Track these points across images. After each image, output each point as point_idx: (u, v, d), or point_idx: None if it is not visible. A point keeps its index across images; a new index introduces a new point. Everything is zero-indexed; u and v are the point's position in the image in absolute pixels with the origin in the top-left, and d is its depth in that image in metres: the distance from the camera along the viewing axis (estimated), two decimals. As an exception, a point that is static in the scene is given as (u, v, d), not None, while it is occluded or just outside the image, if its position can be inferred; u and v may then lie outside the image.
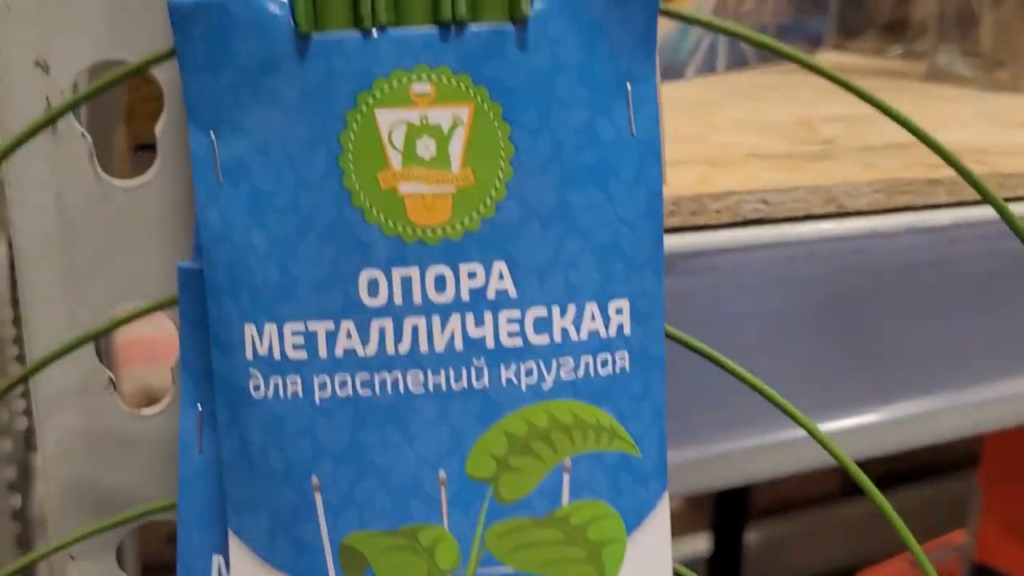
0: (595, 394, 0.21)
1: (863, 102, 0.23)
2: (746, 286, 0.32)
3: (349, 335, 0.21)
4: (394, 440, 0.21)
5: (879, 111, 0.24)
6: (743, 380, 0.24)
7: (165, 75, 0.23)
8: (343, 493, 0.21)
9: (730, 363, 0.24)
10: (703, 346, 0.24)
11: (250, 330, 0.21)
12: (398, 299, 0.21)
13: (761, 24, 0.55)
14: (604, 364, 0.21)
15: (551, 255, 0.21)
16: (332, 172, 0.20)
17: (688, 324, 0.31)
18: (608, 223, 0.21)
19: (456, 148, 0.20)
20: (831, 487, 1.05)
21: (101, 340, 0.26)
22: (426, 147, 0.20)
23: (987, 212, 0.35)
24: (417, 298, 0.21)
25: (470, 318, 0.21)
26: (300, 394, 0.21)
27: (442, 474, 0.21)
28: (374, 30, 0.20)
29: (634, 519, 0.22)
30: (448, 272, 0.21)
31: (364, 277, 0.21)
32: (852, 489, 1.06)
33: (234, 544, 0.22)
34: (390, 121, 0.20)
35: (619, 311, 0.21)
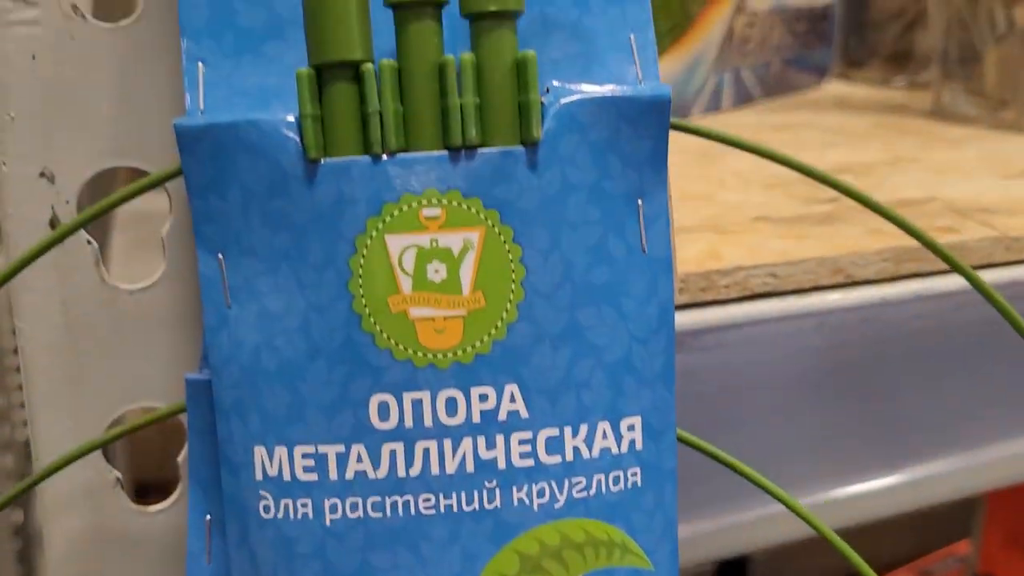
0: (607, 511, 0.21)
1: (866, 146, 0.23)
2: (756, 360, 0.31)
3: (360, 458, 0.21)
4: (405, 562, 0.21)
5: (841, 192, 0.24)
6: (726, 464, 0.24)
7: (172, 183, 0.23)
8: None
9: (709, 447, 0.24)
10: (696, 439, 0.24)
11: (260, 452, 0.21)
12: (409, 422, 0.21)
13: (765, 59, 0.55)
14: (616, 481, 0.21)
15: (563, 375, 0.21)
16: (342, 296, 0.20)
17: (698, 400, 0.31)
18: (620, 340, 0.21)
19: (467, 272, 0.20)
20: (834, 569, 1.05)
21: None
22: (436, 271, 0.20)
23: (993, 276, 0.34)
24: (428, 421, 0.21)
25: (481, 440, 0.21)
26: (310, 515, 0.21)
27: (454, 596, 0.21)
28: (383, 155, 0.20)
29: (647, 635, 0.22)
30: (459, 395, 0.21)
31: (375, 401, 0.20)
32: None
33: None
34: (400, 245, 0.20)
35: (631, 428, 0.21)
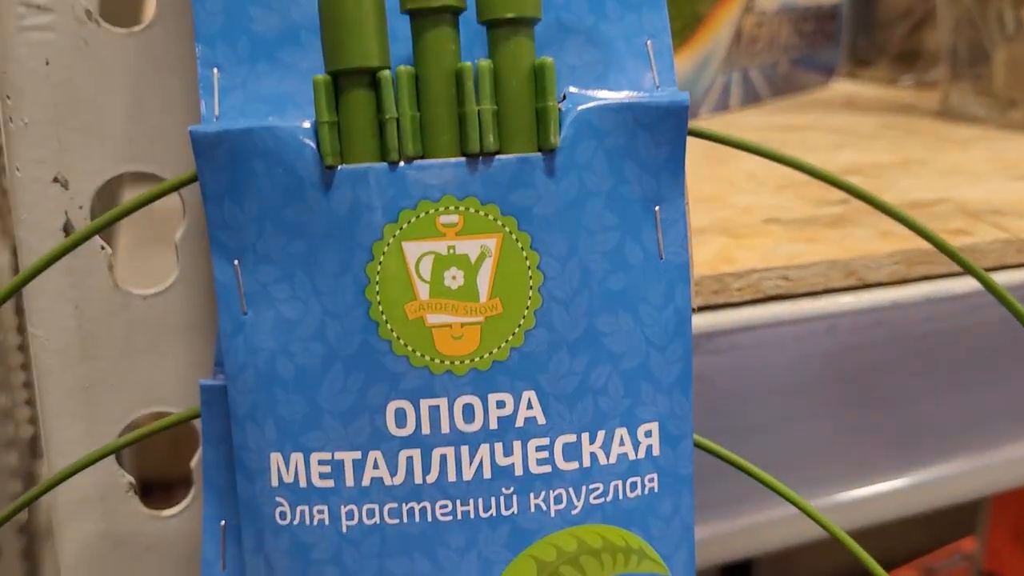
0: (624, 517, 0.21)
1: (875, 148, 0.23)
2: (768, 362, 0.31)
3: (376, 465, 0.21)
4: (422, 569, 0.21)
5: (835, 187, 0.23)
6: (735, 465, 0.24)
7: (186, 188, 0.23)
8: None
9: (727, 453, 0.24)
10: (712, 444, 0.24)
11: (276, 459, 0.21)
12: (426, 429, 0.20)
13: (773, 59, 0.55)
14: (633, 487, 0.21)
15: (580, 382, 0.21)
16: (359, 303, 0.20)
17: (711, 403, 0.31)
18: (637, 347, 0.21)
19: (484, 278, 0.20)
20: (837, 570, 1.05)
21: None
22: (454, 278, 0.20)
23: (1006, 278, 0.34)
24: (445, 428, 0.20)
25: (499, 447, 0.21)
26: (327, 522, 0.21)
27: (471, 604, 0.21)
28: (400, 161, 0.20)
29: (664, 641, 0.22)
30: (477, 402, 0.20)
31: (391, 407, 0.20)
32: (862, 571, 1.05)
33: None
34: (417, 252, 0.20)
35: (648, 434, 0.21)
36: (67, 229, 0.23)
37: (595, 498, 0.21)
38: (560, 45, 0.21)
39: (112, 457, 0.25)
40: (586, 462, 0.21)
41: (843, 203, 0.38)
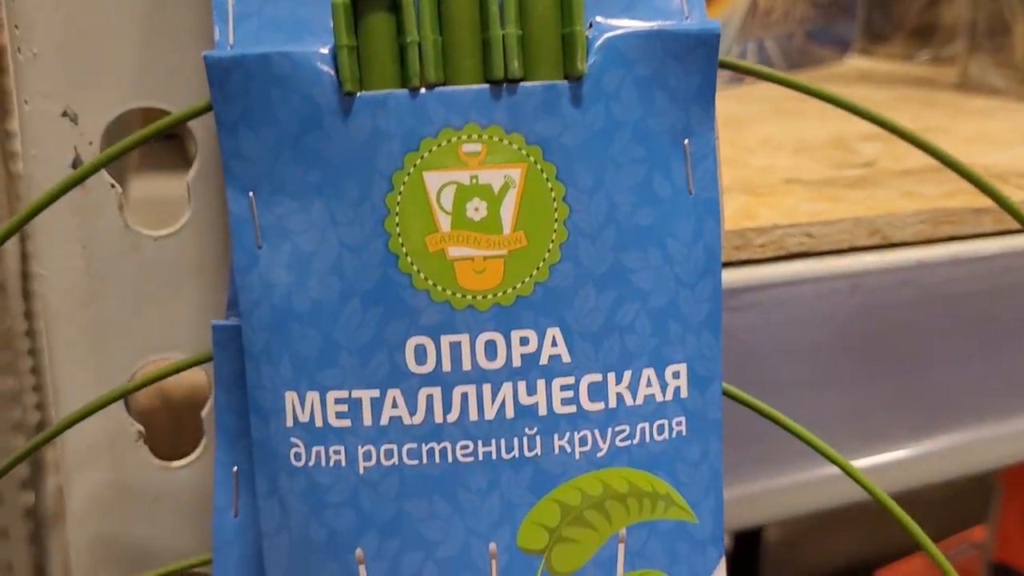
0: (651, 461, 0.21)
1: (894, 117, 0.22)
2: (790, 320, 0.31)
3: (395, 403, 0.20)
4: (442, 511, 0.20)
5: (913, 144, 0.23)
6: (785, 427, 0.23)
7: (198, 122, 0.22)
8: (389, 566, 0.20)
9: (766, 407, 0.23)
10: (745, 395, 0.23)
11: (291, 397, 0.20)
12: (447, 366, 0.20)
13: (788, 31, 0.54)
14: (661, 430, 0.21)
15: (606, 319, 0.20)
16: (378, 235, 0.19)
17: (732, 360, 0.30)
18: (665, 284, 0.20)
19: (508, 210, 0.20)
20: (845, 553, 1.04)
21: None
22: (476, 209, 0.19)
23: (1033, 240, 0.34)
24: (467, 365, 0.20)
25: (522, 386, 0.20)
26: (343, 463, 0.20)
27: (492, 546, 0.20)
28: (422, 88, 0.19)
29: (690, 589, 0.21)
30: (499, 338, 0.20)
31: (411, 344, 0.20)
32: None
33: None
34: (438, 182, 0.19)
35: (676, 375, 0.21)
36: (76, 165, 0.22)
37: (621, 440, 0.20)
38: None
39: (121, 405, 0.24)
40: (612, 403, 0.20)
41: (865, 166, 0.37)
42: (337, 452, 0.20)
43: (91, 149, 0.22)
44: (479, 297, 0.20)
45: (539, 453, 0.20)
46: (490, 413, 0.20)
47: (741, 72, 0.21)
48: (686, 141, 0.20)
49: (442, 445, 0.20)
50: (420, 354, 0.20)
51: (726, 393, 0.23)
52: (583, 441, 0.20)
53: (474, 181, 0.19)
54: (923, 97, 0.51)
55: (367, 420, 0.20)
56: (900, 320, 0.32)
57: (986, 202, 0.33)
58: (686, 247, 0.20)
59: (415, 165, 0.19)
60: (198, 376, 0.25)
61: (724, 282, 0.29)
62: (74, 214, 0.23)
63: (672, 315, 0.20)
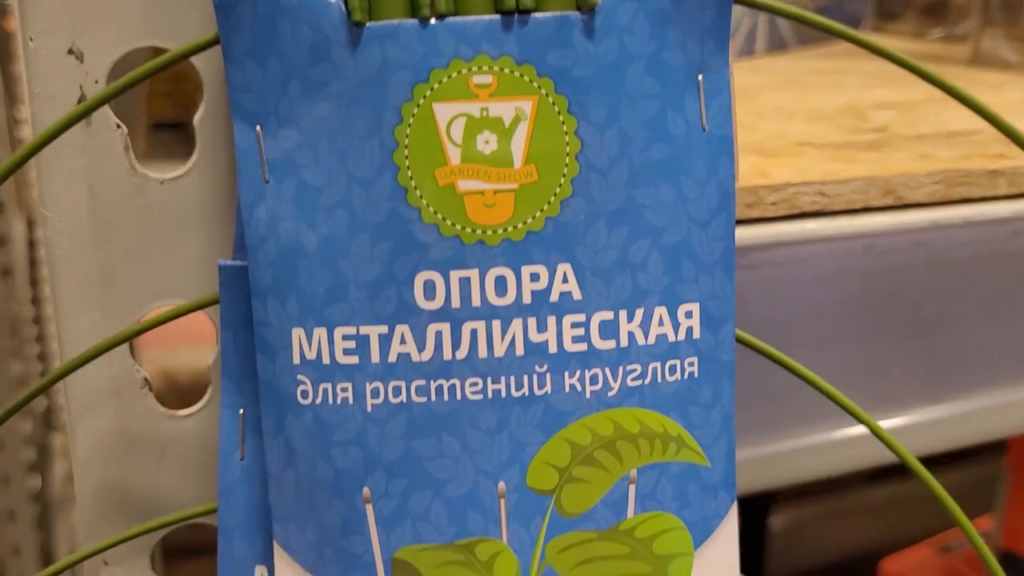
0: (663, 401, 0.20)
1: (911, 88, 0.22)
2: (802, 280, 0.30)
3: (403, 340, 0.20)
4: (451, 450, 0.20)
5: (953, 97, 0.22)
6: (810, 382, 0.23)
7: (204, 63, 0.22)
8: (396, 505, 0.20)
9: (792, 362, 0.23)
10: (769, 348, 0.23)
11: (298, 334, 0.20)
12: (456, 302, 0.19)
13: (801, 6, 0.53)
14: (672, 371, 0.20)
15: (618, 256, 0.20)
16: (386, 168, 0.19)
17: (743, 319, 0.30)
18: (678, 222, 0.20)
19: (518, 143, 0.19)
20: (857, 472, 1.04)
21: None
22: (487, 142, 0.19)
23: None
24: (476, 301, 0.19)
25: (532, 322, 0.20)
26: (351, 401, 0.20)
27: (501, 485, 0.20)
28: (432, 18, 0.19)
29: (702, 532, 0.21)
30: (509, 274, 0.19)
31: (420, 279, 0.19)
32: (878, 474, 1.04)
33: (279, 556, 0.20)
34: (448, 114, 0.19)
35: (689, 315, 0.20)
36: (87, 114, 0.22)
37: (632, 380, 0.20)
38: None
39: (127, 352, 0.24)
40: (623, 341, 0.20)
41: (878, 131, 0.37)
42: (344, 389, 0.20)
43: (97, 87, 0.22)
44: (489, 232, 0.19)
45: (549, 391, 0.20)
46: (499, 350, 0.20)
47: (759, 8, 0.21)
48: (700, 77, 0.20)
49: (451, 382, 0.20)
50: (429, 289, 0.19)
51: (740, 340, 0.22)
52: (594, 380, 0.20)
53: (484, 113, 0.19)
54: (936, 71, 0.51)
55: (375, 357, 0.20)
56: (913, 282, 0.32)
57: (1001, 164, 0.33)
58: (700, 185, 0.20)
59: (425, 96, 0.19)
60: (202, 361, 0.25)
61: (736, 239, 0.29)
62: (80, 155, 0.22)
63: (685, 254, 0.20)
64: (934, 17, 0.59)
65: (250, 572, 0.22)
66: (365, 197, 0.19)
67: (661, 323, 0.20)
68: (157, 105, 0.46)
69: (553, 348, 0.20)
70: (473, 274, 0.19)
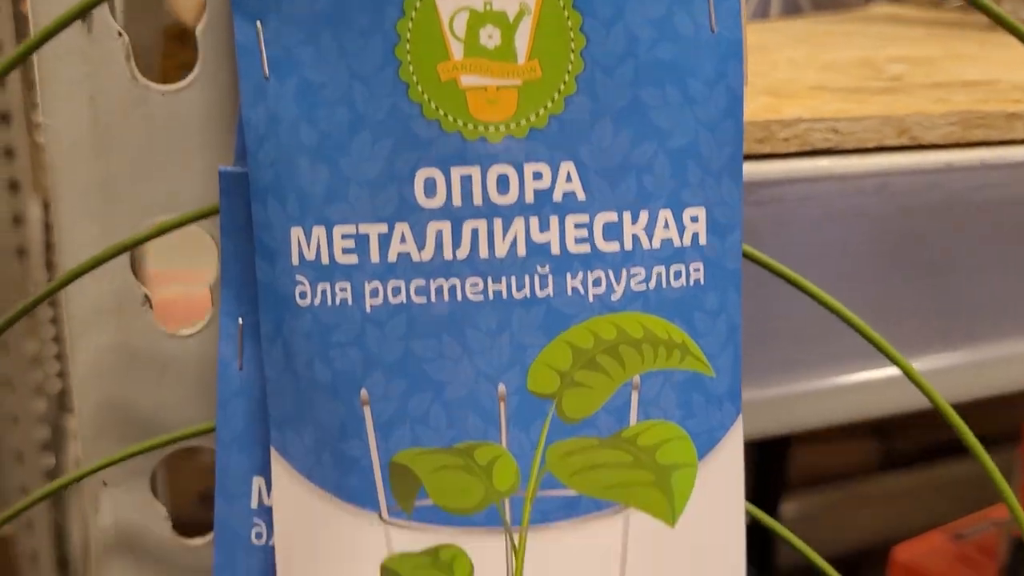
0: (667, 307, 0.20)
1: (924, 45, 0.21)
2: (813, 219, 0.30)
3: (403, 238, 0.19)
4: (450, 351, 0.19)
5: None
6: (831, 308, 0.22)
7: (208, -31, 0.22)
8: (394, 407, 0.19)
9: (815, 289, 0.22)
10: (785, 269, 0.22)
11: (297, 234, 0.19)
12: (457, 200, 0.19)
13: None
14: (677, 276, 0.20)
15: (623, 156, 0.19)
16: (388, 63, 0.19)
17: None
18: (685, 124, 0.20)
19: (523, 38, 0.19)
20: (870, 459, 1.03)
21: (136, 261, 0.25)
22: (490, 36, 0.19)
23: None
24: (477, 199, 0.19)
25: (534, 222, 0.19)
26: (349, 301, 0.19)
27: (501, 388, 0.20)
28: (435, -95, 0.19)
29: (706, 443, 0.20)
30: (512, 172, 0.19)
31: (420, 176, 0.19)
32: (891, 462, 1.03)
33: (276, 462, 0.20)
34: (451, 8, 0.19)
35: (695, 219, 0.20)
36: (84, 12, 0.22)
37: (636, 284, 0.20)
38: None
39: (127, 268, 0.24)
40: (627, 244, 0.20)
41: (894, 79, 0.36)
42: (343, 290, 0.19)
43: (99, -8, 0.22)
44: (491, 128, 0.19)
45: (551, 294, 0.19)
46: (501, 250, 0.19)
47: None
48: None
49: (451, 282, 0.19)
50: (429, 187, 0.19)
51: (750, 256, 0.22)
52: (596, 283, 0.20)
53: (488, 7, 0.19)
54: (954, 35, 0.50)
55: (374, 256, 0.19)
56: (928, 225, 0.31)
57: (1019, 108, 0.32)
58: (707, 87, 0.20)
59: (427, -12, 0.19)
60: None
61: (745, 175, 0.29)
62: (81, 63, 0.22)
63: (692, 157, 0.20)
64: (952, -14, 0.58)
65: (247, 484, 0.22)
66: (366, 93, 0.19)
67: (666, 226, 0.20)
68: (173, 77, 0.46)
69: (555, 249, 0.19)
70: (474, 171, 0.19)
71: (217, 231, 0.22)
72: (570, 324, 0.20)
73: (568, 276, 0.19)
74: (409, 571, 0.20)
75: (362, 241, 0.19)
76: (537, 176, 0.19)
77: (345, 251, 0.19)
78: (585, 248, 0.19)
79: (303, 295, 0.20)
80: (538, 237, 0.19)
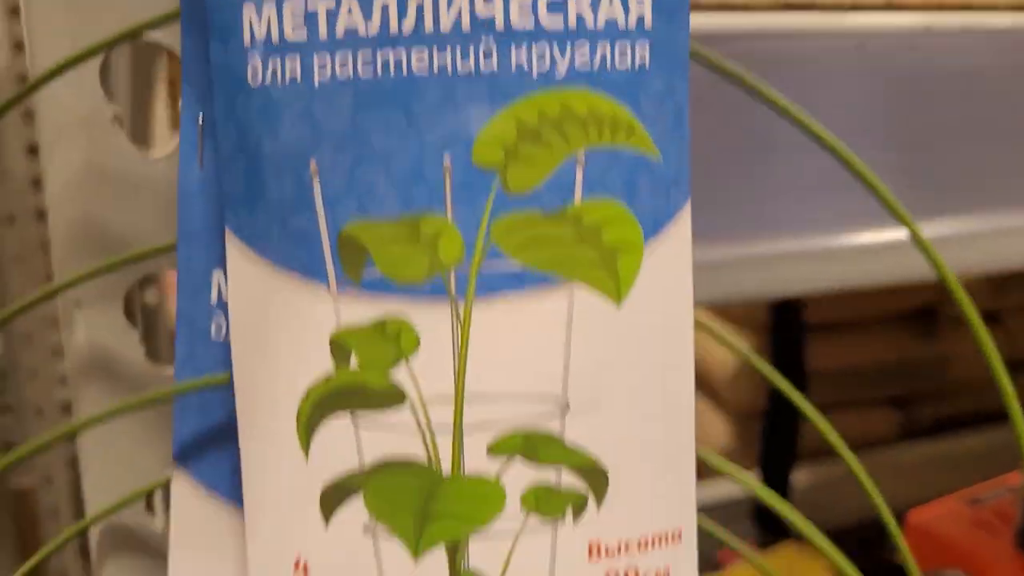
0: (612, 87, 0.20)
1: None
2: (788, 77, 0.30)
3: (351, 11, 0.20)
4: (397, 123, 0.20)
5: None
6: (832, 150, 0.22)
7: None
8: (342, 179, 0.20)
9: (820, 129, 0.22)
10: (751, 79, 0.22)
11: (248, 12, 0.20)
12: None
13: None
14: (623, 55, 0.20)
15: None
16: None
17: (721, 113, 0.29)
18: None
19: None
20: (887, 430, 1.02)
21: (111, 83, 0.25)
22: None
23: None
24: None
25: None
26: (299, 77, 0.20)
27: (447, 160, 0.20)
28: None
29: (652, 227, 0.21)
30: None
31: None
32: (906, 433, 1.02)
33: (231, 244, 0.21)
34: None
35: (639, 0, 0.20)
36: None
37: (581, 61, 0.20)
38: None
39: (97, 83, 0.24)
40: (572, 22, 0.20)
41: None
42: (293, 66, 0.20)
43: None
44: None
45: (495, 69, 0.20)
46: (446, 23, 0.20)
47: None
48: None
49: (397, 54, 0.20)
50: None
51: (698, 57, 0.22)
52: (540, 57, 0.20)
53: None
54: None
55: (323, 32, 0.20)
56: (907, 88, 0.31)
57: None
58: None
59: None
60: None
61: (716, 27, 0.29)
62: None
63: None
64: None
65: (207, 278, 0.22)
66: None
67: (611, 3, 0.20)
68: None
69: (500, 23, 0.20)
70: None
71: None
72: (515, 99, 0.20)
73: (512, 50, 0.20)
74: (357, 343, 0.20)
75: (311, 17, 0.20)
76: None
77: (295, 28, 0.20)
78: (528, 23, 0.20)
79: (255, 75, 0.20)
80: (482, 11, 0.20)
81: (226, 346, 0.22)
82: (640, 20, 0.20)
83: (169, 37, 0.23)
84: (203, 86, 0.21)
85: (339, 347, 0.20)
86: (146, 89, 0.40)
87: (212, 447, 0.22)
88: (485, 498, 0.20)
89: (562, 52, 0.20)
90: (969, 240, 0.33)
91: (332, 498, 0.21)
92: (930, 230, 0.33)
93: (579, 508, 0.21)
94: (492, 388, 0.20)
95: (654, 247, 0.21)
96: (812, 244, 0.32)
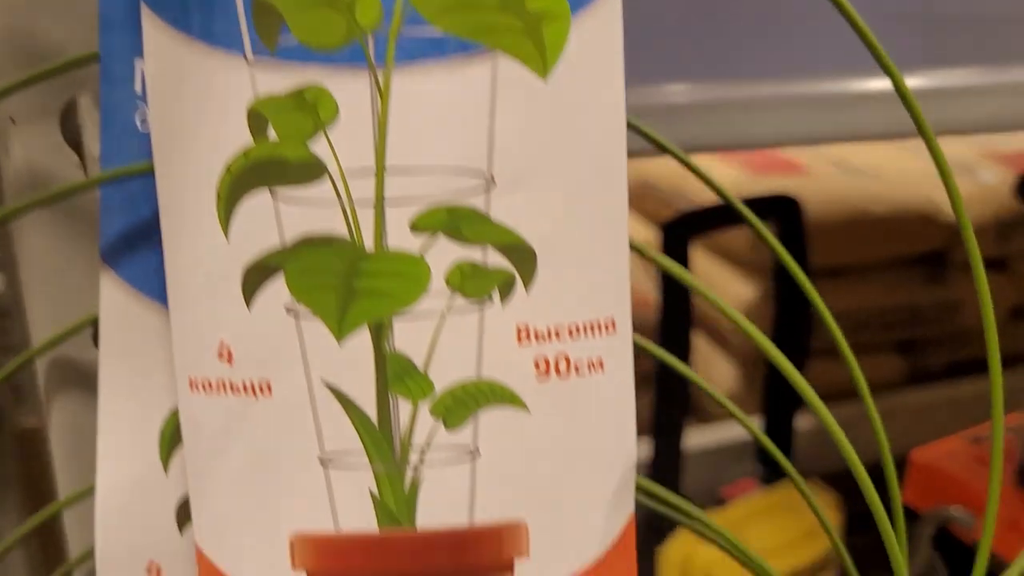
0: None
1: None
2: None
3: None
4: None
5: None
6: None
7: None
8: None
9: None
10: None
11: None
12: None
13: None
14: None
15: None
16: None
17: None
18: None
19: None
20: (894, 374, 1.01)
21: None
22: None
23: None
24: None
25: None
26: None
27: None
28: None
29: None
30: None
31: None
32: (914, 378, 1.01)
33: (146, 16, 0.20)
34: None
35: None
36: None
37: None
38: None
39: None
40: None
41: None
42: None
43: None
44: None
45: None
46: None
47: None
48: None
49: None
50: None
51: None
52: None
53: None
54: None
55: None
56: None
57: None
58: None
59: None
60: None
61: None
62: None
63: None
64: None
65: (131, 66, 0.21)
66: None
67: None
68: None
69: None
70: None
71: None
72: None
73: None
74: (274, 113, 0.19)
75: None
76: None
77: None
78: None
79: None
80: None
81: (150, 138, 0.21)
82: None
83: None
84: None
85: (256, 118, 0.20)
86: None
87: (139, 245, 0.22)
88: (409, 275, 0.20)
89: None
90: (959, 92, 0.32)
91: (254, 279, 0.20)
92: (926, 80, 0.32)
93: (507, 289, 0.20)
94: (414, 161, 0.20)
95: (583, 21, 0.20)
96: (794, 91, 0.31)
